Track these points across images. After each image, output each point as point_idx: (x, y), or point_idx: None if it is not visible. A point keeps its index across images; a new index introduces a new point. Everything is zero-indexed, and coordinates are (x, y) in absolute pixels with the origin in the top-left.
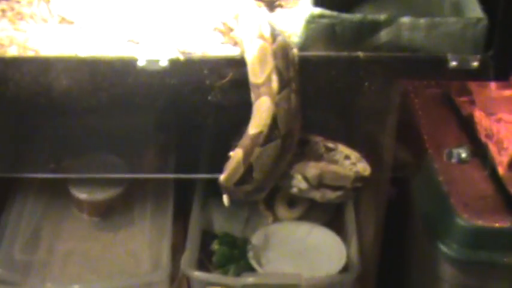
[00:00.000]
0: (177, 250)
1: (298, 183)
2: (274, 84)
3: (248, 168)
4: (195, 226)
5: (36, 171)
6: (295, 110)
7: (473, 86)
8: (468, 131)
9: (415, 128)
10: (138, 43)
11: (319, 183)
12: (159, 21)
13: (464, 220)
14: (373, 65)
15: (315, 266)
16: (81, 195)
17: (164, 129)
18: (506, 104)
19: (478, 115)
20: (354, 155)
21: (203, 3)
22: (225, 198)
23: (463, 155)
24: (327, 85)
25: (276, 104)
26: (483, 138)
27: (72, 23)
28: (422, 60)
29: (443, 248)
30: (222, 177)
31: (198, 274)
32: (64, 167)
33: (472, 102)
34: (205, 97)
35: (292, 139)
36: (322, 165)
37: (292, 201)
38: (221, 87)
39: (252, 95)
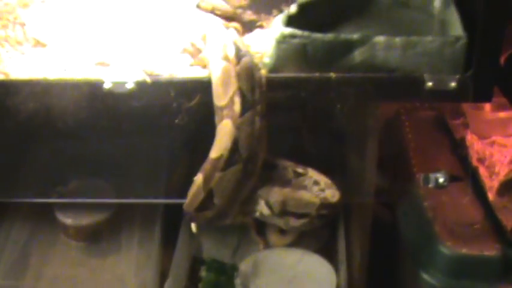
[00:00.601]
0: (165, 277)
1: (261, 209)
2: (237, 106)
3: (208, 194)
4: (182, 252)
5: (21, 197)
6: (259, 133)
7: (466, 108)
8: (459, 155)
9: (404, 152)
10: (108, 65)
11: (282, 210)
12: (128, 42)
13: (448, 248)
14: (346, 86)
15: None
16: (67, 220)
17: (136, 153)
18: (501, 127)
19: (471, 138)
20: (324, 180)
21: (172, 24)
22: (192, 225)
23: (441, 180)
24: (298, 108)
25: (238, 127)
26: (475, 162)
27: (45, 45)
28: (397, 81)
29: (427, 277)
30: (184, 204)
31: None
32: (50, 191)
33: (466, 125)
34: (173, 120)
35: (255, 163)
36: (287, 191)
37: None
38: (189, 110)
39: (216, 118)
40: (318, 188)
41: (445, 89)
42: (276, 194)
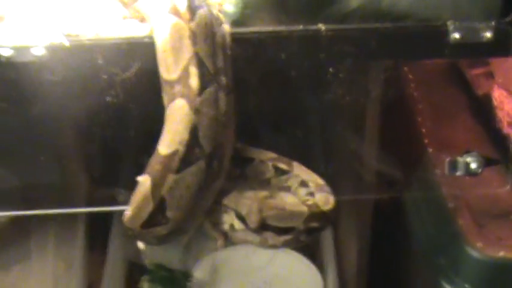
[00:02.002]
0: None
1: (230, 221)
2: (194, 80)
3: (159, 204)
4: (115, 258)
5: None
6: (225, 117)
7: None
8: (485, 119)
9: (409, 119)
10: (2, 19)
11: (260, 224)
12: None
13: (478, 250)
14: (340, 42)
15: None
16: None
17: (50, 145)
18: None
19: (499, 95)
20: (313, 180)
21: None
22: (139, 243)
23: (473, 166)
24: (275, 75)
25: (196, 110)
26: (505, 129)
27: None
28: (410, 32)
29: None
30: (125, 214)
31: None
32: None
33: (490, 76)
34: (102, 98)
35: (222, 159)
36: (264, 197)
37: None
38: (123, 84)
39: (164, 97)
40: (305, 190)
41: (477, 41)
42: (250, 202)
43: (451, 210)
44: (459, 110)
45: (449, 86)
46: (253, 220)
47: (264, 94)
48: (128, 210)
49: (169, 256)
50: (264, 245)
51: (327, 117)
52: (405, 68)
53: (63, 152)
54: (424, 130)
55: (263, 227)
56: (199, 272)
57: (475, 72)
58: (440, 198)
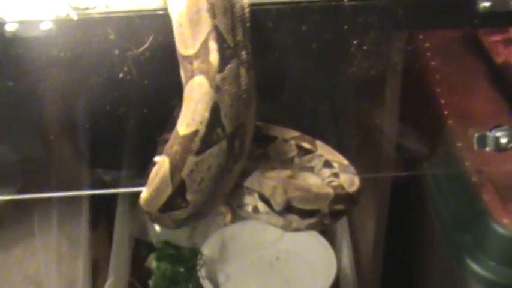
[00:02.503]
0: (100, 268)
1: (254, 203)
2: (214, 56)
3: (179, 188)
4: (122, 236)
5: None
6: (247, 94)
7: None
8: (505, 88)
9: (427, 91)
10: None
11: (286, 206)
12: None
13: (504, 227)
14: (364, 12)
15: (293, 285)
16: None
17: (61, 124)
18: None
19: None
20: (337, 160)
21: None
22: (156, 226)
23: (503, 140)
24: (297, 48)
25: (217, 88)
26: None
27: None
28: (437, 1)
29: (474, 266)
30: (142, 197)
31: None
32: None
33: (509, 43)
34: (115, 74)
35: (244, 139)
36: (287, 179)
37: None
38: (137, 58)
39: (182, 73)
40: (329, 171)
41: (507, 9)
42: (274, 183)
43: (475, 186)
44: (478, 79)
45: (467, 54)
46: (278, 202)
47: (284, 69)
48: (145, 193)
49: (176, 233)
50: (288, 228)
51: (344, 91)
52: (421, 37)
53: (68, 132)
54: (443, 101)
55: (287, 209)
56: (207, 249)
57: (493, 39)
58: (463, 172)
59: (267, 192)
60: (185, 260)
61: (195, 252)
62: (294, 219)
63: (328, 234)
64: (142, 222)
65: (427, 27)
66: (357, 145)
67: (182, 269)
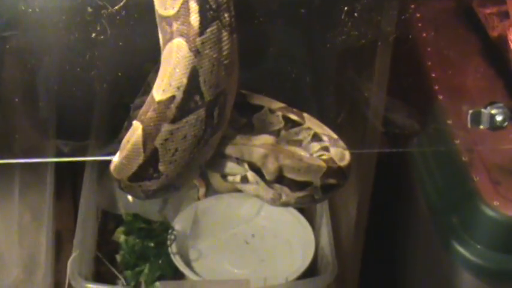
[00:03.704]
0: (64, 241)
1: (244, 172)
2: (194, 17)
3: (151, 156)
4: (88, 207)
5: None
6: (229, 60)
7: None
8: (499, 63)
9: (417, 64)
10: None
11: (278, 175)
12: None
13: (494, 209)
14: None
15: (269, 263)
16: None
17: (25, 86)
18: None
19: None
20: (326, 134)
21: None
22: (128, 196)
23: (499, 118)
24: (284, 13)
25: (197, 52)
26: None
27: None
28: None
29: (460, 249)
30: (113, 162)
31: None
32: None
33: (504, 16)
34: (88, 34)
35: (223, 109)
36: (277, 146)
37: None
38: (112, 17)
39: (160, 35)
40: (319, 145)
41: None
42: (264, 150)
43: (465, 165)
44: (471, 53)
45: (460, 26)
46: (271, 170)
47: (270, 35)
48: (117, 158)
49: (147, 206)
50: (276, 202)
51: (331, 60)
52: (412, 6)
53: (32, 95)
54: (434, 75)
55: (278, 179)
56: (179, 224)
57: (488, 11)
58: (453, 151)
59: (258, 162)
60: (155, 235)
61: (166, 227)
62: (284, 191)
63: (306, 212)
64: (111, 193)
65: None
66: (342, 118)
67: (152, 244)
